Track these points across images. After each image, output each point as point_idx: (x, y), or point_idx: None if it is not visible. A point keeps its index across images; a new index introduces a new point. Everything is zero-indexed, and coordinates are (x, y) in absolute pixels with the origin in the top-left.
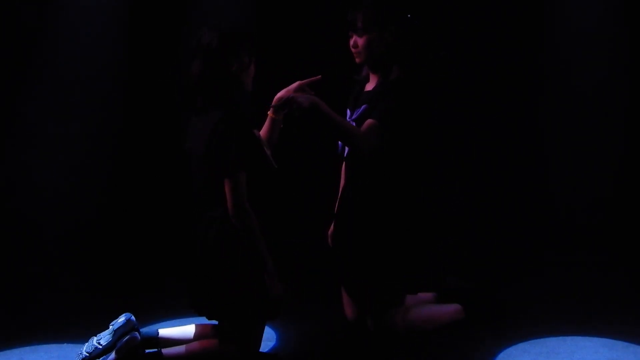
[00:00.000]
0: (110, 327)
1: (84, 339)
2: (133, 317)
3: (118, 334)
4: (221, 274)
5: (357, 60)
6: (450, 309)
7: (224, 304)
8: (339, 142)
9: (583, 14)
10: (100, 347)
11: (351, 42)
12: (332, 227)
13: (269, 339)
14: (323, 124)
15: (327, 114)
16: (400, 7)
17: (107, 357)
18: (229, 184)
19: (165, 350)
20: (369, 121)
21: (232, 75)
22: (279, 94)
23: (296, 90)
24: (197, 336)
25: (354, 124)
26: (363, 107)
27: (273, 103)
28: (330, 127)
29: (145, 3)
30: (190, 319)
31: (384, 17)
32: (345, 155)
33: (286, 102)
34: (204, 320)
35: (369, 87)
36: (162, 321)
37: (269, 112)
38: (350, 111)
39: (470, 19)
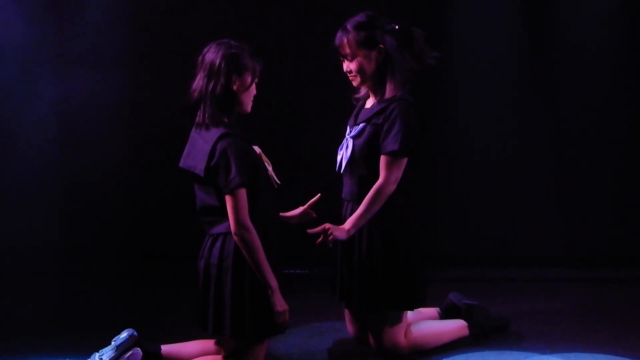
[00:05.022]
0: (113, 342)
1: (86, 354)
2: (135, 333)
3: (121, 349)
4: (224, 290)
5: (354, 84)
6: (454, 325)
7: (226, 319)
8: (338, 160)
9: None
10: None
11: (344, 68)
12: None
13: (271, 355)
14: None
15: (358, 224)
16: (383, 23)
17: None
18: (229, 201)
19: None
20: (382, 159)
21: (233, 94)
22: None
23: (301, 214)
24: (200, 352)
25: (352, 140)
26: (361, 125)
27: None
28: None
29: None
30: (193, 334)
31: (369, 37)
32: (342, 172)
33: (323, 233)
34: (206, 336)
35: (369, 104)
36: (165, 337)
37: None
38: (349, 128)
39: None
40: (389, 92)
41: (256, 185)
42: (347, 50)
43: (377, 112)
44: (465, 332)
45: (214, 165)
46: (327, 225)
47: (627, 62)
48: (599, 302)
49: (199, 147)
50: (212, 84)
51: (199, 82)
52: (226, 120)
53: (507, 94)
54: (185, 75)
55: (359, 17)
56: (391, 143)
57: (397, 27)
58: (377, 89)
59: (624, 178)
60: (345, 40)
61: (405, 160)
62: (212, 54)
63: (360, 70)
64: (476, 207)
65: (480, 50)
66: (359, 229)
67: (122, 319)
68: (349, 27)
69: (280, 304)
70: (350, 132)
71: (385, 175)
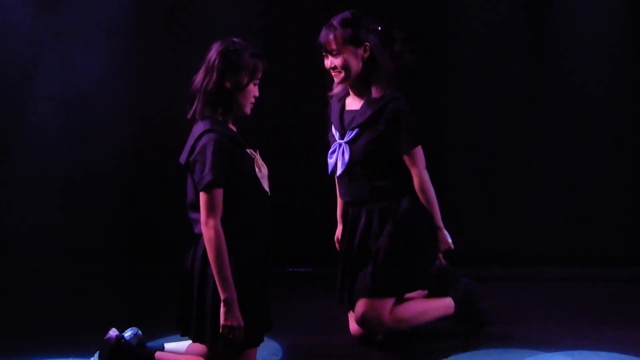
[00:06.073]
0: None
1: (89, 354)
2: (139, 332)
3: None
4: (192, 292)
5: (336, 80)
6: (440, 303)
7: (191, 322)
8: (331, 164)
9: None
10: None
11: (327, 64)
12: (338, 232)
13: (274, 354)
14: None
15: (440, 223)
16: (368, 22)
17: None
18: (201, 198)
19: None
20: (406, 159)
21: (226, 93)
22: None
23: None
24: (201, 352)
25: (348, 147)
26: (356, 131)
27: None
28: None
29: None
30: None
31: (356, 34)
32: (338, 175)
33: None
34: None
35: (352, 105)
36: (169, 336)
37: None
38: (338, 132)
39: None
40: (375, 92)
41: (237, 187)
42: (334, 46)
43: (373, 116)
44: (451, 310)
45: (192, 160)
46: (442, 261)
47: (630, 61)
48: (602, 300)
49: (189, 142)
50: (206, 79)
51: (197, 76)
52: (217, 117)
53: (509, 94)
54: (191, 74)
55: (345, 15)
56: (406, 143)
57: (379, 28)
58: (362, 89)
59: (626, 177)
60: (332, 37)
61: (420, 147)
62: (213, 51)
63: (345, 66)
64: (478, 206)
65: (481, 49)
66: (355, 228)
67: (123, 319)
68: (335, 23)
69: (232, 318)
70: (342, 136)
71: (417, 170)
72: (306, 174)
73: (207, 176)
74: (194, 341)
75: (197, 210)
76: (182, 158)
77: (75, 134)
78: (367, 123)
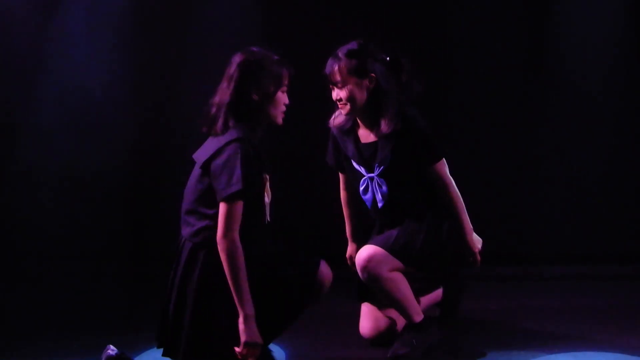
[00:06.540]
0: None
1: (89, 355)
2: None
3: None
4: (177, 306)
5: (343, 112)
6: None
7: (176, 341)
8: (368, 200)
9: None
10: None
11: (334, 95)
12: (350, 250)
13: (277, 358)
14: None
15: (469, 229)
16: (375, 52)
17: None
18: (224, 208)
19: None
20: (433, 171)
21: (253, 105)
22: None
23: None
24: None
25: (383, 180)
26: (382, 167)
27: None
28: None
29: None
30: None
31: (361, 65)
32: (380, 207)
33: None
34: None
35: (368, 138)
36: None
37: None
38: (364, 167)
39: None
40: (385, 126)
41: (250, 206)
42: (338, 78)
43: (396, 147)
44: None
45: (217, 164)
46: (478, 262)
47: (630, 61)
48: (606, 299)
49: (210, 144)
50: (229, 94)
51: (218, 91)
52: (243, 128)
53: (509, 94)
54: (192, 74)
55: (351, 45)
56: (432, 156)
57: (387, 58)
58: (372, 121)
59: (627, 176)
60: (336, 68)
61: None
62: (232, 64)
63: (351, 98)
64: (478, 206)
65: (481, 49)
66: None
67: (124, 320)
68: (340, 54)
69: (251, 334)
70: (369, 170)
71: (446, 180)
72: (307, 174)
73: (236, 185)
74: (163, 355)
75: (197, 213)
76: (200, 157)
77: (76, 134)
78: (393, 155)
